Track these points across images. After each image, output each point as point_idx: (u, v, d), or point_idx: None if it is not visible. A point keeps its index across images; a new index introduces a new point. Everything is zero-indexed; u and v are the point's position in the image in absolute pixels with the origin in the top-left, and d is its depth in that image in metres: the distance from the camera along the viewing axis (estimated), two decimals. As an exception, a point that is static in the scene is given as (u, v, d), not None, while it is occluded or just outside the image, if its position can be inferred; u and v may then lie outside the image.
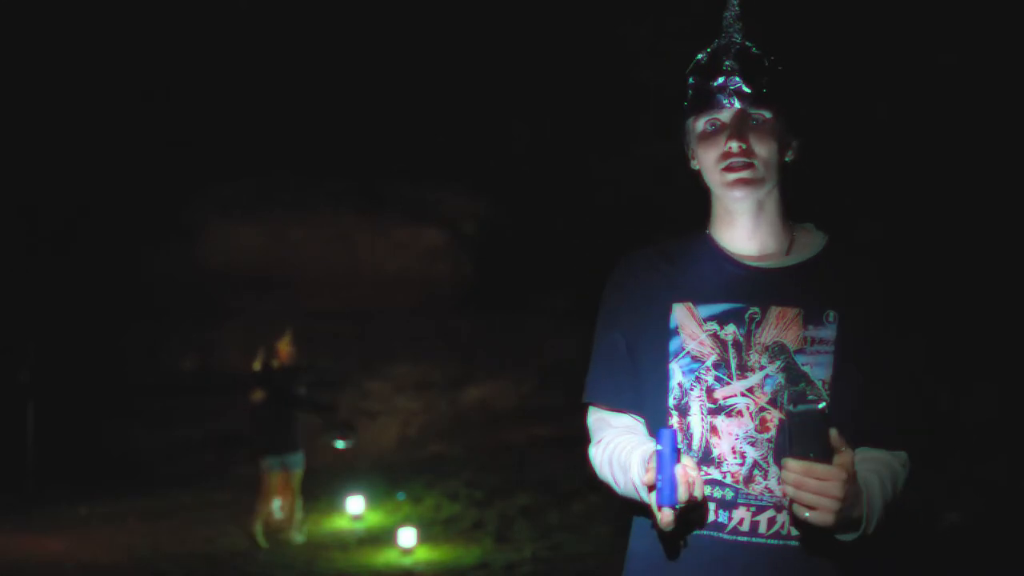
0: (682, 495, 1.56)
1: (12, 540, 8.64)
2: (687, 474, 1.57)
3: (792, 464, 1.52)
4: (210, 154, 13.61)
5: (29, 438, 11.90)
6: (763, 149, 1.74)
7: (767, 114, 1.74)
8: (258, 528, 8.09)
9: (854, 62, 8.76)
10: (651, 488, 1.59)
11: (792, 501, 1.55)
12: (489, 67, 12.79)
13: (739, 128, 1.73)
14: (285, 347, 8.28)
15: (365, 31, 13.26)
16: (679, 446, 1.58)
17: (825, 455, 1.51)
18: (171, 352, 14.09)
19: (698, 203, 1.89)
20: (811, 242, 1.82)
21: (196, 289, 14.14)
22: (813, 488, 1.51)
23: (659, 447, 1.55)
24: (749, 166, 1.73)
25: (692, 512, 1.66)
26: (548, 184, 13.33)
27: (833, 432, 1.52)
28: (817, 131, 1.82)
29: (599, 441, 1.86)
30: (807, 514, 1.53)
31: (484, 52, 12.71)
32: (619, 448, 1.78)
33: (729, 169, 1.74)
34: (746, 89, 1.74)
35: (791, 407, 1.54)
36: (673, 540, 1.71)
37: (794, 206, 1.84)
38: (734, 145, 1.72)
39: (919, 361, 1.77)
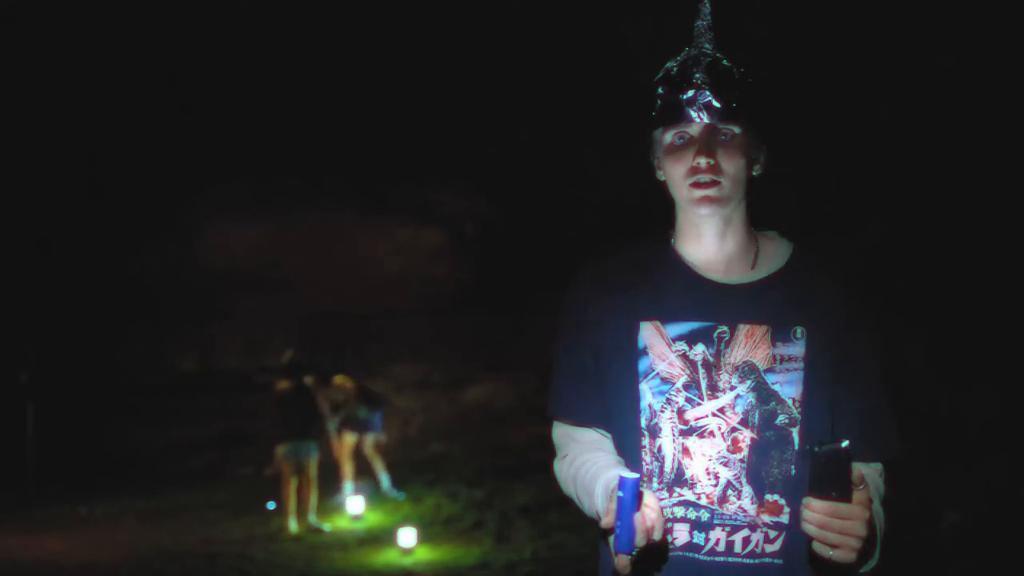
0: (639, 542, 1.54)
1: (12, 540, 8.64)
2: (646, 520, 1.55)
3: (816, 504, 1.50)
4: (210, 154, 13.62)
5: (29, 438, 11.90)
6: (731, 165, 1.72)
7: (736, 129, 1.73)
8: (291, 519, 8.79)
9: (855, 64, 8.77)
10: (610, 532, 1.58)
11: (813, 539, 1.53)
12: (489, 67, 12.79)
13: (708, 143, 1.71)
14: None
15: (365, 32, 13.26)
16: (642, 489, 1.56)
17: (846, 494, 1.50)
18: (171, 352, 14.10)
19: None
20: (776, 253, 1.81)
21: (196, 289, 14.15)
22: (837, 528, 1.50)
23: (620, 494, 1.53)
24: (716, 183, 1.72)
25: (654, 548, 1.64)
26: (548, 184, 13.33)
27: (855, 470, 1.51)
28: (784, 145, 1.81)
29: (564, 456, 1.86)
30: (831, 553, 1.52)
31: (484, 52, 12.71)
32: (584, 468, 1.77)
33: (696, 185, 1.73)
34: (716, 104, 1.72)
35: (816, 447, 1.51)
36: (647, 563, 1.71)
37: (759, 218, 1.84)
38: (702, 161, 1.71)
39: (882, 371, 1.77)
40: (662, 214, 1.91)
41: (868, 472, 1.71)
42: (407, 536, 7.84)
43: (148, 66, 13.24)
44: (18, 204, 13.37)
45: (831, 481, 1.50)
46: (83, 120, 13.31)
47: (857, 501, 1.51)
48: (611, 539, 1.57)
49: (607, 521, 1.57)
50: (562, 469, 1.86)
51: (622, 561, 1.55)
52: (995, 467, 6.84)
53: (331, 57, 13.37)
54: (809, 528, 1.52)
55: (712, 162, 1.71)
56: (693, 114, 1.73)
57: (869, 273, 1.95)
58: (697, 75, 1.74)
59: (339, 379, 9.73)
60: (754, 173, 1.78)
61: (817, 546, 1.53)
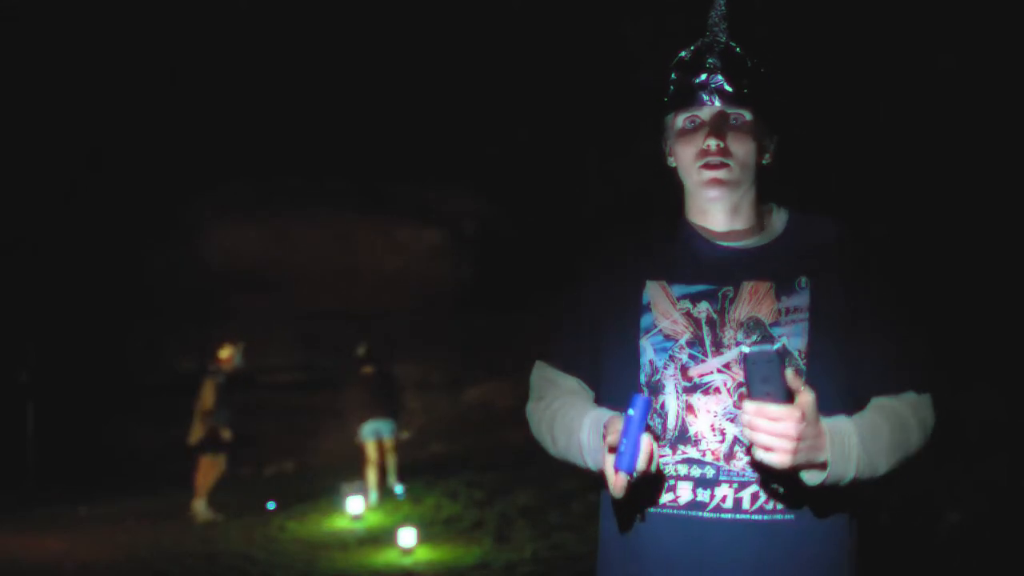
0: (641, 464, 1.55)
1: (12, 540, 8.64)
2: (651, 444, 1.56)
3: (747, 405, 1.51)
4: (210, 154, 13.62)
5: (29, 438, 11.89)
6: (740, 149, 1.73)
7: (747, 114, 1.73)
8: (372, 492, 9.63)
9: (854, 64, 8.77)
10: (611, 450, 1.57)
11: (751, 443, 1.54)
12: (489, 67, 12.79)
13: (718, 126, 1.72)
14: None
15: (365, 32, 13.26)
16: (649, 416, 1.56)
17: (782, 396, 1.50)
18: (171, 352, 14.10)
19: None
20: (778, 220, 1.82)
21: (196, 289, 14.14)
22: (766, 428, 1.50)
23: (631, 412, 1.53)
24: (725, 166, 1.72)
25: (647, 486, 1.65)
26: (548, 184, 13.33)
27: (789, 372, 1.52)
28: (795, 135, 1.82)
29: (541, 398, 1.86)
30: (762, 455, 1.52)
31: (484, 52, 12.71)
32: (564, 408, 1.78)
33: (706, 167, 1.73)
34: (728, 87, 1.73)
35: (746, 349, 1.52)
36: (647, 521, 1.70)
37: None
38: (712, 143, 1.71)
39: (900, 305, 1.77)
40: (663, 213, 1.91)
41: (892, 404, 1.69)
42: (407, 536, 7.83)
43: (148, 66, 13.24)
44: (18, 204, 13.37)
45: (763, 383, 1.50)
46: (83, 120, 13.31)
47: (795, 404, 1.51)
48: (611, 459, 1.57)
49: (612, 439, 1.56)
50: (536, 410, 1.86)
51: (620, 481, 1.55)
52: (995, 467, 6.84)
53: (331, 57, 13.37)
54: (744, 432, 1.53)
55: (722, 145, 1.71)
56: (705, 97, 1.73)
57: (870, 227, 1.95)
58: (710, 60, 1.75)
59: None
60: (764, 161, 1.78)
61: (754, 449, 1.54)
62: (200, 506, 9.63)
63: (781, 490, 1.65)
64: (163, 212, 14.20)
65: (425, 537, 8.11)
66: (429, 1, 12.83)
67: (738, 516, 1.67)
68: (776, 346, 1.53)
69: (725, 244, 1.77)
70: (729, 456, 1.68)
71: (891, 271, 1.78)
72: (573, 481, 8.78)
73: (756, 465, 1.62)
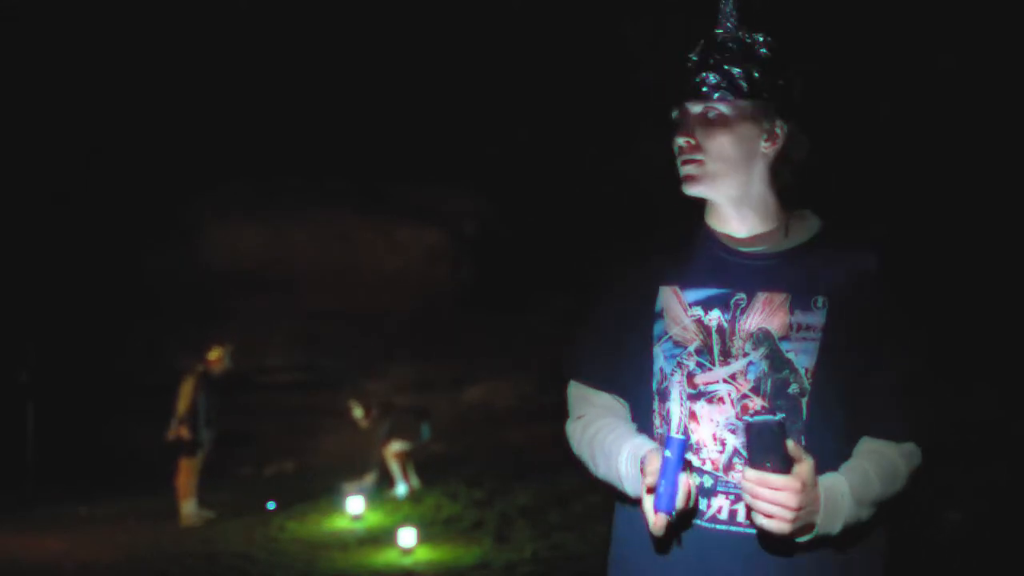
0: (680, 504, 1.58)
1: (12, 540, 8.63)
2: (688, 484, 1.59)
3: (749, 474, 1.54)
4: (210, 154, 13.61)
5: (29, 438, 11.88)
6: (716, 143, 1.69)
7: (723, 108, 1.68)
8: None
9: (854, 63, 8.77)
10: (650, 491, 1.60)
11: (749, 508, 1.58)
12: (489, 67, 12.79)
13: (689, 122, 1.71)
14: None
15: (365, 31, 13.25)
16: (687, 455, 1.59)
17: (782, 465, 1.53)
18: (171, 352, 14.09)
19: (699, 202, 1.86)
20: (806, 227, 1.77)
21: (196, 289, 14.14)
22: (767, 498, 1.53)
23: (667, 454, 1.56)
24: (696, 162, 1.70)
25: (686, 516, 1.67)
26: (548, 184, 13.32)
27: (790, 443, 1.54)
28: (807, 117, 1.77)
29: (580, 417, 1.86)
30: (762, 521, 1.56)
31: (484, 52, 12.70)
32: (603, 432, 1.78)
33: (682, 165, 1.73)
34: (711, 80, 1.69)
35: (748, 418, 1.55)
36: (676, 531, 1.71)
37: (792, 198, 1.79)
38: (681, 140, 1.72)
39: (921, 351, 1.74)
40: (665, 213, 1.89)
41: (883, 449, 1.67)
42: (407, 536, 7.83)
43: (148, 66, 13.24)
44: (18, 204, 13.36)
45: (764, 453, 1.53)
46: (82, 120, 13.31)
47: (795, 474, 1.53)
48: (650, 499, 1.60)
49: (650, 480, 1.59)
50: (576, 430, 1.86)
51: (660, 521, 1.58)
52: (995, 467, 6.84)
53: (331, 57, 13.36)
54: (745, 497, 1.56)
55: (692, 141, 1.71)
56: (687, 92, 1.73)
57: (913, 251, 1.89)
58: (693, 56, 1.74)
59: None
60: (763, 149, 1.72)
61: (753, 514, 1.57)
62: (189, 508, 9.51)
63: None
64: (163, 212, 14.19)
65: (425, 537, 8.11)
66: (428, 1, 12.82)
67: (732, 528, 1.67)
68: (779, 416, 1.56)
69: (743, 249, 1.75)
70: (728, 467, 1.68)
71: (918, 313, 1.74)
72: (573, 481, 8.78)
73: (756, 527, 1.63)
